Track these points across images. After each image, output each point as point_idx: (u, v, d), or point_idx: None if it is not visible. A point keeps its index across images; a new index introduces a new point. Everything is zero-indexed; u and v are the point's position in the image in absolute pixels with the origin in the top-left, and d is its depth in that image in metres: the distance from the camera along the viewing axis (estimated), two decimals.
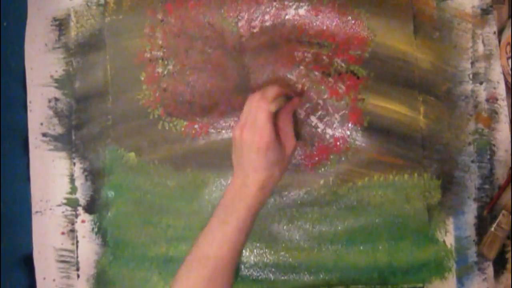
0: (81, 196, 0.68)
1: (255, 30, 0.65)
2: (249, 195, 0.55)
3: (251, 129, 0.55)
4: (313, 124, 0.64)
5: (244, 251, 0.65)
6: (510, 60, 0.64)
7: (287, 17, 0.65)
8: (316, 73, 0.64)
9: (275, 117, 0.56)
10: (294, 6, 0.65)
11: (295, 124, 0.61)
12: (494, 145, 0.64)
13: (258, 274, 0.65)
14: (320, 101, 0.64)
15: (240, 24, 0.65)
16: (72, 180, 0.68)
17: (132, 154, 0.67)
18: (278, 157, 0.55)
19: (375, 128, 0.64)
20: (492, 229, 0.62)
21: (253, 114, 0.56)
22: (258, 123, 0.55)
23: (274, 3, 0.65)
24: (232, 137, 0.57)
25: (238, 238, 0.54)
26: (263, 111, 0.55)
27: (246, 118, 0.56)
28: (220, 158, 0.65)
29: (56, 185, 0.68)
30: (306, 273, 0.64)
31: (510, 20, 0.65)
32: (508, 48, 0.64)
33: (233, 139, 0.57)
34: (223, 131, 0.66)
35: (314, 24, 0.64)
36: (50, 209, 0.68)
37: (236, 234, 0.54)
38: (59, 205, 0.68)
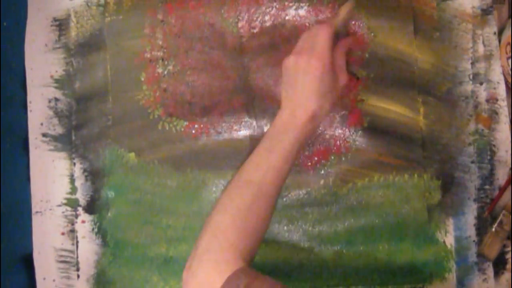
0: (81, 197, 0.68)
1: (255, 31, 0.65)
2: (298, 125, 0.53)
3: (308, 54, 0.54)
4: None
5: None
6: (510, 60, 0.64)
7: (287, 17, 0.65)
8: None
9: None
10: (294, 7, 0.65)
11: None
12: (494, 146, 0.64)
13: None
14: None
15: (240, 24, 0.65)
16: (72, 180, 0.68)
17: (132, 154, 0.67)
18: (331, 86, 0.54)
19: (375, 128, 0.64)
20: (493, 229, 0.62)
21: (311, 40, 0.55)
22: (317, 46, 0.54)
23: (274, 4, 0.65)
24: (284, 67, 0.56)
25: (282, 166, 0.53)
26: (325, 33, 0.54)
27: (302, 46, 0.55)
28: (220, 158, 0.65)
29: (56, 185, 0.68)
30: (306, 273, 0.64)
31: (510, 20, 0.65)
32: (508, 48, 0.64)
33: (285, 69, 0.56)
34: (223, 131, 0.66)
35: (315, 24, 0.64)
36: (50, 209, 0.68)
37: (281, 163, 0.52)
38: (59, 205, 0.68)
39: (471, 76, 0.65)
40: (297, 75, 0.54)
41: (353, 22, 0.64)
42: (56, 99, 0.68)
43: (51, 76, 0.68)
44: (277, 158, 0.53)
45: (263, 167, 0.53)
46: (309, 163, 0.64)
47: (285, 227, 0.65)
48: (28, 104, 0.68)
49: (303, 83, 0.54)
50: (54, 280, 0.67)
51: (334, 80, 0.55)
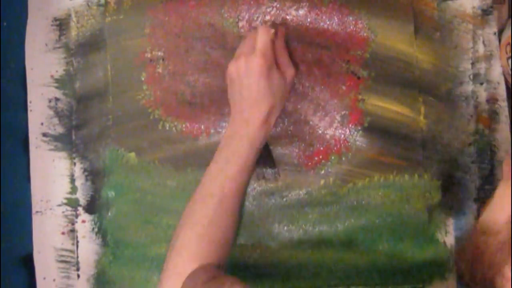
0: (81, 196, 0.67)
1: None
2: (251, 131, 0.53)
3: (247, 55, 0.54)
4: (313, 124, 0.64)
5: (244, 251, 0.65)
6: (510, 60, 0.64)
7: (287, 17, 0.65)
8: (317, 73, 0.64)
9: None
10: (294, 7, 0.64)
11: (290, 54, 0.60)
12: (494, 146, 0.64)
13: (258, 274, 0.65)
14: (321, 102, 0.64)
15: (240, 24, 0.65)
16: (72, 180, 0.68)
17: (133, 154, 0.67)
18: (279, 84, 0.54)
19: (376, 128, 0.64)
20: None
21: (249, 44, 0.55)
22: (258, 48, 0.53)
23: (275, 4, 0.65)
24: (227, 75, 0.56)
25: (241, 176, 0.53)
26: (263, 34, 0.54)
27: (241, 51, 0.55)
28: None
29: (56, 185, 0.68)
30: (306, 273, 0.64)
31: (510, 20, 0.65)
32: (508, 48, 0.64)
33: (229, 76, 0.56)
34: (223, 131, 0.65)
35: (315, 24, 0.64)
36: (50, 209, 0.67)
37: (239, 173, 0.53)
38: (59, 205, 0.68)
39: (471, 76, 0.65)
40: (243, 80, 0.54)
41: (353, 22, 0.64)
42: (57, 99, 0.68)
43: (51, 76, 0.68)
44: (234, 169, 0.53)
45: (221, 179, 0.53)
46: (309, 163, 0.64)
47: (285, 227, 0.65)
48: (28, 104, 0.68)
49: (250, 87, 0.53)
50: (54, 280, 0.67)
51: (282, 76, 0.55)
